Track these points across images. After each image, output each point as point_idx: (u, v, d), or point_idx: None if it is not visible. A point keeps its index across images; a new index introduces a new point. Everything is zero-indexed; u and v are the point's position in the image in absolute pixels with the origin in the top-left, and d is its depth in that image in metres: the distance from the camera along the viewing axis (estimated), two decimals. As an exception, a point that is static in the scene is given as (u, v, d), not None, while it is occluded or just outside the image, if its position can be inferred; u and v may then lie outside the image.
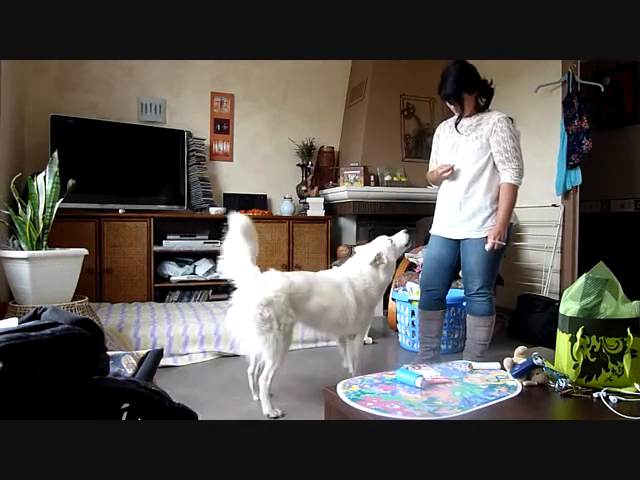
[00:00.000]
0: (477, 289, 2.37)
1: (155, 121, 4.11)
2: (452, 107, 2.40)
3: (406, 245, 2.47)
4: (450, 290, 2.62)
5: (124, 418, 0.88)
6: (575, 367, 1.45)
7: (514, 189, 2.29)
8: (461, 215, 2.39)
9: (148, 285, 3.64)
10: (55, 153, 2.68)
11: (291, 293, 2.07)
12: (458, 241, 2.43)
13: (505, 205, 2.28)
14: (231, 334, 2.26)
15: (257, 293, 2.01)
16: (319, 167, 4.59)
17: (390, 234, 2.48)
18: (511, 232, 2.40)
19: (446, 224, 2.46)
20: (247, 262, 2.06)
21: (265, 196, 4.37)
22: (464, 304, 2.90)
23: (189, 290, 3.86)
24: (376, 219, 4.30)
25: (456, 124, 2.44)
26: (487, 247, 2.28)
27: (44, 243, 2.59)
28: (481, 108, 2.38)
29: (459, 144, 2.39)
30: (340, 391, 1.42)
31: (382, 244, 2.38)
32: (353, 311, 2.23)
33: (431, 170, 2.57)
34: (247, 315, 2.00)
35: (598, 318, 1.46)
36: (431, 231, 2.59)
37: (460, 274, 2.53)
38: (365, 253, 2.37)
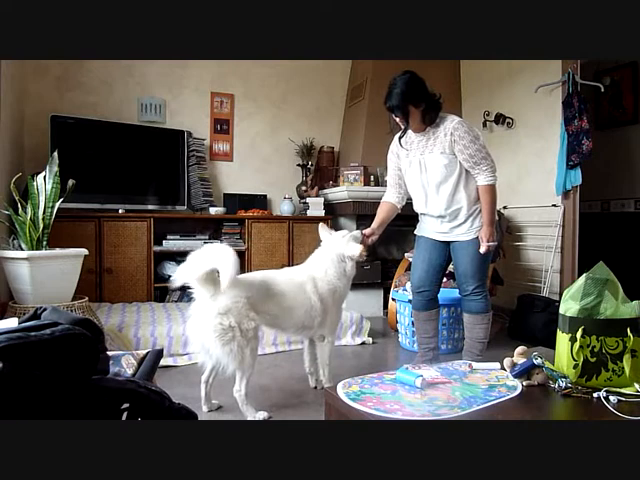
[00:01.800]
0: (473, 289, 2.38)
1: (155, 121, 4.10)
2: (397, 119, 2.32)
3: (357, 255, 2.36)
4: (449, 290, 2.63)
5: (124, 418, 0.88)
6: (575, 367, 1.45)
7: (492, 188, 2.29)
8: (450, 224, 2.40)
9: (148, 285, 3.64)
10: (55, 153, 2.68)
11: (249, 296, 1.97)
12: (447, 242, 2.44)
13: (488, 206, 2.29)
14: (192, 344, 2.10)
15: (213, 302, 1.90)
16: (319, 167, 4.59)
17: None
18: (498, 228, 2.41)
19: (435, 230, 2.47)
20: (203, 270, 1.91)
21: (265, 196, 4.37)
22: (464, 304, 2.90)
23: (189, 290, 3.85)
24: (376, 219, 4.29)
25: (400, 137, 2.41)
26: (482, 250, 2.29)
27: (44, 243, 2.59)
28: (428, 122, 2.30)
29: (425, 162, 2.34)
30: (340, 391, 1.42)
31: (352, 235, 2.30)
32: (318, 312, 2.16)
33: (387, 198, 2.55)
34: (206, 326, 1.89)
35: (598, 318, 1.46)
36: (417, 232, 2.59)
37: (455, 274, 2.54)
38: (330, 249, 2.27)
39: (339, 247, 2.27)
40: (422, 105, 2.25)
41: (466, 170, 2.30)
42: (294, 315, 2.13)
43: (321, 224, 2.41)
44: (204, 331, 1.91)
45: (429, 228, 2.50)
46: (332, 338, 2.29)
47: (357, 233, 2.39)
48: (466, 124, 2.28)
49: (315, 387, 2.39)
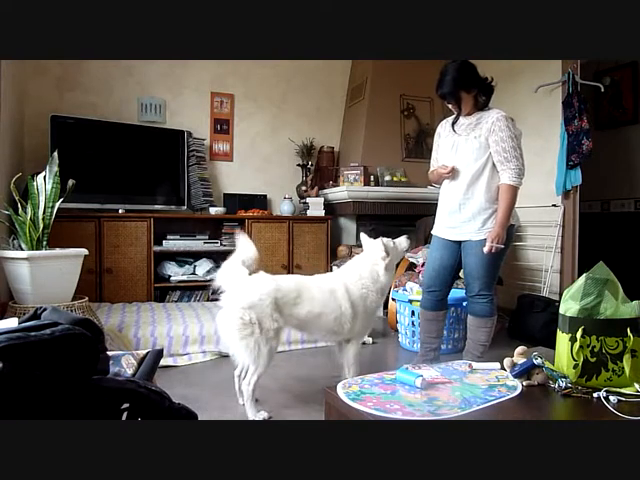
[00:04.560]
0: (478, 291, 2.36)
1: (155, 121, 4.10)
2: (450, 106, 2.38)
3: (405, 251, 2.42)
4: (451, 290, 2.62)
5: (124, 418, 0.88)
6: (575, 367, 1.45)
7: (513, 190, 2.25)
8: (461, 217, 2.37)
9: (148, 285, 3.64)
10: (55, 153, 2.68)
11: (277, 297, 2.00)
12: (459, 242, 2.42)
13: (504, 207, 2.25)
14: (219, 336, 2.20)
15: (240, 296, 1.97)
16: (319, 167, 4.59)
17: (390, 234, 2.45)
18: (512, 233, 2.37)
19: (446, 225, 2.45)
20: (237, 265, 2.03)
21: (265, 196, 4.37)
22: (464, 304, 2.90)
23: (189, 290, 3.86)
24: (376, 219, 4.30)
25: (453, 123, 2.42)
26: (485, 250, 2.25)
27: (44, 243, 2.59)
28: (480, 106, 2.35)
29: (458, 144, 2.37)
30: (340, 391, 1.42)
31: (382, 242, 2.27)
32: (348, 318, 2.13)
33: (432, 169, 2.56)
34: (230, 319, 1.96)
35: (598, 318, 1.46)
36: (433, 232, 2.58)
37: (461, 274, 2.53)
38: (366, 255, 2.28)
39: (375, 252, 2.25)
40: (474, 90, 2.30)
41: (493, 165, 2.29)
42: (322, 321, 2.11)
43: (362, 233, 2.43)
44: (228, 323, 1.97)
45: (441, 225, 2.49)
46: (358, 342, 2.26)
47: (403, 238, 2.40)
48: (510, 121, 2.28)
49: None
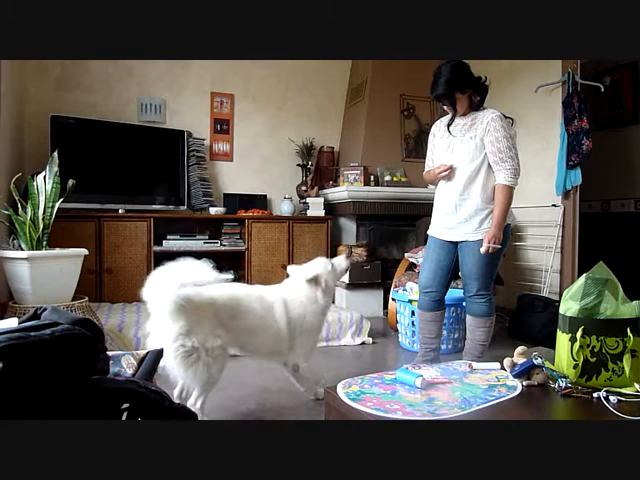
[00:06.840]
0: (476, 291, 2.36)
1: (155, 121, 4.10)
2: (445, 107, 2.38)
3: (346, 270, 2.26)
4: (450, 290, 2.62)
5: (124, 418, 0.88)
6: (575, 367, 1.45)
7: (509, 190, 2.26)
8: (457, 217, 2.37)
9: (148, 285, 3.64)
10: (55, 153, 2.68)
11: (214, 312, 1.84)
12: (456, 243, 2.42)
13: (500, 207, 2.25)
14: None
15: (173, 322, 1.73)
16: (319, 167, 4.59)
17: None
18: (508, 233, 2.38)
19: (442, 226, 2.45)
20: (164, 279, 1.73)
21: (265, 196, 4.37)
22: (464, 304, 2.90)
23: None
24: (376, 219, 4.30)
25: (448, 125, 2.41)
26: (482, 250, 2.25)
27: (44, 243, 2.59)
28: (475, 107, 2.35)
29: (454, 145, 2.37)
30: (340, 391, 1.42)
31: (321, 265, 2.15)
32: (285, 337, 2.00)
33: (427, 170, 2.56)
34: (167, 349, 1.68)
35: (598, 318, 1.46)
36: (429, 232, 2.58)
37: (460, 274, 2.53)
38: (302, 273, 2.14)
39: (310, 271, 2.12)
40: (468, 90, 2.30)
41: (489, 165, 2.30)
42: (261, 338, 1.98)
43: (289, 266, 2.27)
44: (169, 354, 1.72)
45: (437, 225, 2.48)
46: (306, 364, 2.11)
47: (341, 258, 2.27)
48: (504, 121, 2.29)
49: (317, 399, 2.17)
